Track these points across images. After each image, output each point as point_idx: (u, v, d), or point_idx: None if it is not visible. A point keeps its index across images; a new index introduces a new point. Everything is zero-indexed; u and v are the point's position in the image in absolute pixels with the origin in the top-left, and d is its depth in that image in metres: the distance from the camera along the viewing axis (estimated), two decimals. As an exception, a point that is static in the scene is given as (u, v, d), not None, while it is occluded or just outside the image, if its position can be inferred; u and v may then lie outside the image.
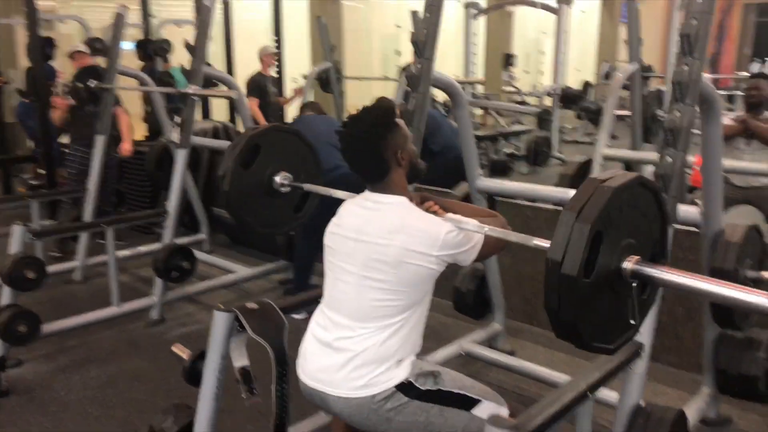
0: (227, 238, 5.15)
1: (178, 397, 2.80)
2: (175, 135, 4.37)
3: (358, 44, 10.49)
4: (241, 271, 4.07)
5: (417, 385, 1.69)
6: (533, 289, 3.41)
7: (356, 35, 10.38)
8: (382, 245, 1.68)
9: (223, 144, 5.02)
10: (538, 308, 3.49)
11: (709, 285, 1.34)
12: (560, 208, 3.40)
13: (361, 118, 1.75)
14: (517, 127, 9.02)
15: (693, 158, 3.43)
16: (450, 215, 1.78)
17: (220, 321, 2.01)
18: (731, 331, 2.40)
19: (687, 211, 2.18)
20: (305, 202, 2.48)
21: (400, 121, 1.79)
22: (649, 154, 5.44)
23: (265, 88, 6.06)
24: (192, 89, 3.44)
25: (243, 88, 5.30)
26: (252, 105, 6.49)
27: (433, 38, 2.48)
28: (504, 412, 1.76)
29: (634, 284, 1.39)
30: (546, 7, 8.85)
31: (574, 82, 12.62)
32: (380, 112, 1.76)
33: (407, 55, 10.94)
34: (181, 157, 3.60)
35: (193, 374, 2.09)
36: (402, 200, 1.76)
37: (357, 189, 3.65)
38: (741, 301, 1.30)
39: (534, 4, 8.97)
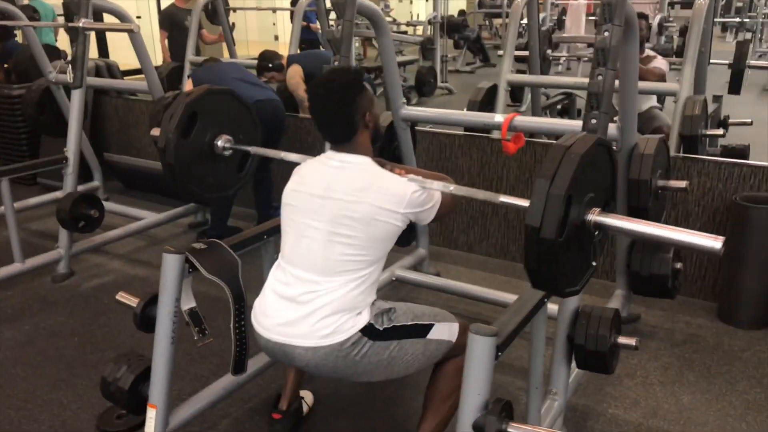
0: (121, 184, 4.88)
1: (109, 348, 2.71)
2: (55, 74, 4.04)
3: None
4: (149, 217, 3.89)
5: (376, 326, 1.74)
6: (452, 216, 3.55)
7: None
8: (352, 202, 1.73)
9: (110, 83, 4.72)
10: (456, 233, 3.64)
11: (653, 229, 1.52)
12: (475, 133, 3.54)
13: (332, 80, 1.79)
14: (401, 58, 9.05)
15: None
16: (412, 176, 1.83)
17: (171, 263, 1.94)
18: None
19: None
20: (246, 161, 2.45)
21: (367, 85, 1.84)
22: (554, 78, 5.76)
23: (179, 23, 5.77)
24: (84, 22, 3.15)
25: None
26: (161, 38, 6.13)
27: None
28: (455, 327, 1.86)
29: (596, 233, 1.54)
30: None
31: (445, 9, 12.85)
32: (350, 75, 1.82)
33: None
34: (76, 97, 3.33)
35: (144, 320, 2.02)
36: (368, 160, 1.81)
37: (274, 116, 3.55)
38: (676, 240, 1.50)
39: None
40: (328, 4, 6.84)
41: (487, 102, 3.96)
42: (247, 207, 4.13)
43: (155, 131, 2.42)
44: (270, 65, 4.14)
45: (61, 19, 6.30)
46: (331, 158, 1.84)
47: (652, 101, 4.29)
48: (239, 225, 3.91)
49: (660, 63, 4.13)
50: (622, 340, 2.02)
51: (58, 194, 4.22)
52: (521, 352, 2.40)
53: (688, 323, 2.87)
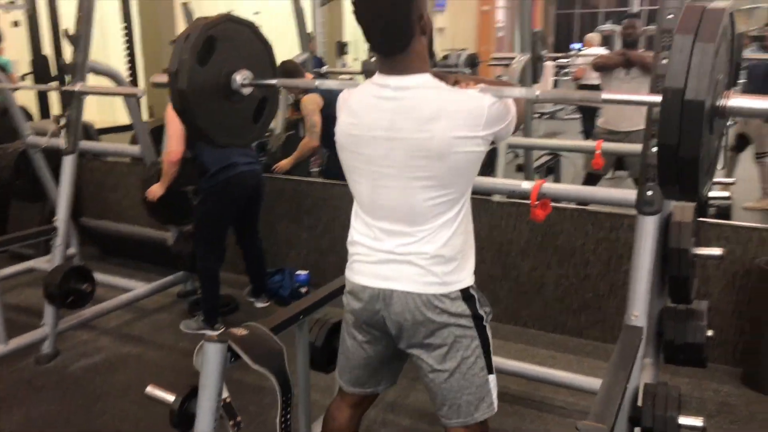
0: (98, 250, 4.62)
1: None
2: (34, 137, 3.82)
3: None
4: (137, 287, 3.66)
5: (477, 303, 1.61)
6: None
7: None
8: (423, 138, 1.49)
9: (103, 147, 4.53)
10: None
11: None
12: (481, 196, 3.47)
13: None
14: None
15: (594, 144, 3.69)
16: (483, 85, 1.55)
17: (213, 354, 1.77)
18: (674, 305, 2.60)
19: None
20: (263, 110, 2.09)
21: None
22: (555, 141, 5.79)
23: None
24: (80, 86, 2.99)
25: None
26: None
27: None
28: (494, 406, 1.71)
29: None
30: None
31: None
32: None
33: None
34: (69, 163, 3.13)
35: (183, 418, 1.83)
36: (427, 79, 1.53)
37: (258, 188, 3.34)
38: None
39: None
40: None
41: (487, 164, 3.94)
42: (233, 273, 3.93)
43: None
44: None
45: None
46: (384, 86, 1.54)
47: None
48: (228, 292, 3.71)
49: None
50: (687, 420, 1.94)
51: (33, 263, 3.98)
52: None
53: (716, 391, 2.82)
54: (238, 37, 1.96)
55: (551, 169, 5.18)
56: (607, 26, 16.22)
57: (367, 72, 2.40)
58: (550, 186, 2.50)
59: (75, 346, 3.24)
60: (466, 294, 1.61)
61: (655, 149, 1.96)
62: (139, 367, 3.06)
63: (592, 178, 4.54)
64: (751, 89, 5.88)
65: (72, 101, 3.05)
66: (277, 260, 4.03)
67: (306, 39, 5.87)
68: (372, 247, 1.64)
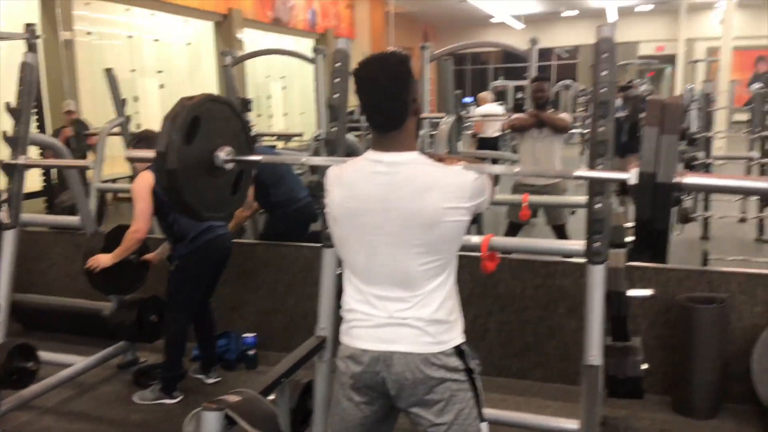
0: (20, 325, 4.40)
1: None
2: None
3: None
4: (76, 362, 3.53)
5: (468, 358, 1.73)
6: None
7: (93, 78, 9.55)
8: (417, 208, 1.64)
9: (44, 219, 4.36)
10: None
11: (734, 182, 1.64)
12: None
13: (385, 60, 1.67)
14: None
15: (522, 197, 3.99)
16: (464, 163, 1.73)
17: (211, 422, 1.81)
18: (612, 342, 2.85)
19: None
20: (240, 182, 2.19)
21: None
22: None
23: None
24: (23, 159, 2.95)
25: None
26: None
27: (344, 103, 2.56)
28: None
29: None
30: (301, 56, 9.19)
31: (300, 125, 13.51)
32: (401, 56, 1.68)
33: (147, 100, 10.46)
34: (10, 238, 3.05)
35: (183, 489, 1.83)
36: (417, 156, 1.69)
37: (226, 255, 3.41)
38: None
39: (291, 54, 9.23)
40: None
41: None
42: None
43: None
44: None
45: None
46: (378, 161, 1.69)
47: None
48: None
49: (565, 115, 4.69)
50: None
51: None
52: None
53: (652, 419, 3.09)
54: (219, 115, 2.07)
55: (475, 220, 5.46)
56: (499, 82, 17.39)
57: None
58: (498, 239, 2.71)
59: (16, 429, 3.09)
60: (458, 350, 1.74)
61: (599, 206, 2.23)
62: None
63: (514, 227, 4.84)
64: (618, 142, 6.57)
65: (14, 174, 2.99)
66: (220, 324, 4.01)
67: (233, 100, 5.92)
68: (368, 313, 1.74)
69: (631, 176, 1.53)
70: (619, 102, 9.74)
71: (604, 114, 2.19)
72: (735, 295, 3.15)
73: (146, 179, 3.07)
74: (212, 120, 2.03)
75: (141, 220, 3.11)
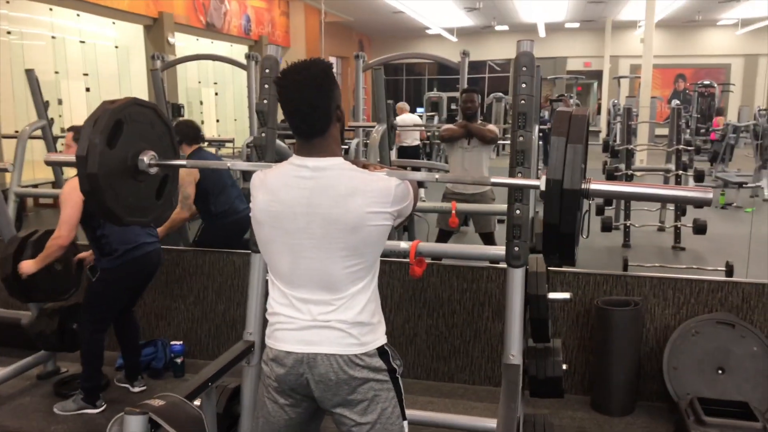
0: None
1: None
2: None
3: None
4: (-9, 372, 3.40)
5: (390, 358, 1.77)
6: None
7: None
8: (340, 213, 1.67)
9: None
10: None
11: (643, 189, 1.70)
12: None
13: (308, 67, 1.69)
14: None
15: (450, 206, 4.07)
16: (388, 170, 1.78)
17: (135, 425, 1.79)
18: (533, 344, 2.96)
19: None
20: (165, 187, 2.17)
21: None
22: None
23: None
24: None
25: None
26: None
27: (274, 109, 2.58)
28: None
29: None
30: (234, 62, 9.12)
31: (233, 131, 13.43)
32: (325, 64, 1.72)
33: (72, 103, 10.14)
34: None
35: (103, 496, 1.80)
36: (341, 162, 1.73)
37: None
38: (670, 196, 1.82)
39: (223, 59, 9.14)
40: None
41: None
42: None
43: None
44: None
45: None
46: (303, 166, 1.72)
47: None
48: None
49: (492, 127, 4.81)
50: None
51: None
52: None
53: (572, 417, 3.21)
54: (142, 119, 2.04)
55: (406, 228, 5.55)
56: (433, 93, 17.73)
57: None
58: (425, 245, 2.78)
59: (-74, 444, 2.95)
60: (381, 350, 1.78)
61: (518, 212, 2.33)
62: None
63: (444, 234, 4.94)
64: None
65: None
66: (148, 332, 3.94)
67: (164, 107, 5.79)
68: (292, 316, 1.77)
69: (541, 183, 1.61)
70: (547, 114, 10.06)
71: (522, 125, 2.29)
72: (648, 298, 3.33)
73: (77, 185, 2.97)
74: (136, 124, 2.00)
75: (65, 226, 3.02)
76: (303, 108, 1.69)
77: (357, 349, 1.74)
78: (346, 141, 8.07)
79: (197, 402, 2.51)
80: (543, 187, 1.60)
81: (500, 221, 5.03)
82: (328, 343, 1.73)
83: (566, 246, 1.65)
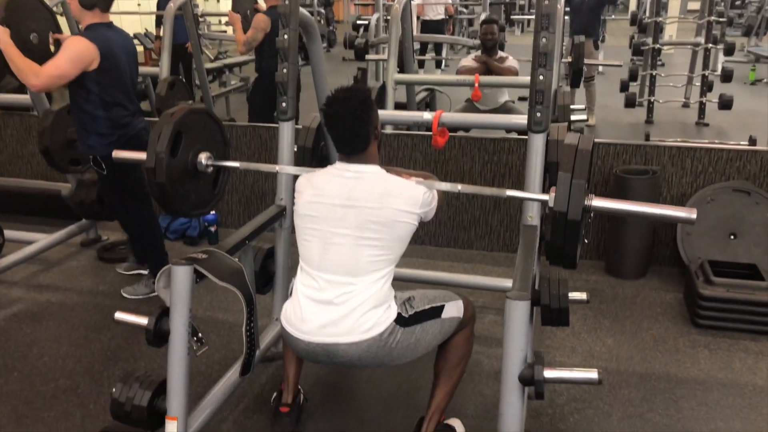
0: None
1: (61, 378, 2.57)
2: None
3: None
4: (40, 239, 3.62)
5: (403, 315, 1.95)
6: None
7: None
8: (375, 208, 1.90)
9: None
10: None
11: (636, 207, 1.87)
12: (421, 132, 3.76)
13: (350, 99, 1.94)
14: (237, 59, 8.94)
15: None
16: (418, 179, 2.04)
17: (181, 275, 1.97)
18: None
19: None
20: (219, 177, 2.51)
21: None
22: (439, 76, 6.38)
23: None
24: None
25: None
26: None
27: (295, 45, 2.57)
28: (460, 304, 2.12)
29: (590, 217, 1.91)
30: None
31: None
32: (365, 93, 1.99)
33: None
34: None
35: (158, 335, 2.01)
36: (378, 169, 1.99)
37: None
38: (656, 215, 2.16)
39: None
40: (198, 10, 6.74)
41: (378, 99, 4.23)
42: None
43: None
44: None
45: None
46: (345, 169, 1.98)
47: (506, 96, 4.85)
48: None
49: (512, 62, 4.70)
50: (575, 295, 2.41)
51: None
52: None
53: (586, 280, 3.39)
54: (197, 125, 2.31)
55: (428, 104, 5.57)
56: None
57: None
58: (448, 115, 2.84)
59: (-16, 301, 3.22)
60: (397, 319, 1.93)
61: (541, 77, 2.36)
62: (63, 313, 3.11)
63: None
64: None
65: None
66: (180, 203, 4.13)
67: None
68: (314, 299, 1.93)
69: (550, 199, 1.84)
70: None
71: (543, 63, 2.30)
72: (666, 167, 3.39)
73: (87, 47, 2.74)
74: (192, 130, 2.27)
75: (46, 75, 2.66)
76: (346, 135, 1.96)
77: (375, 331, 1.89)
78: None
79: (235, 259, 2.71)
80: (551, 203, 1.82)
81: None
82: (348, 334, 1.88)
83: (568, 261, 1.94)
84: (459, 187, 2.10)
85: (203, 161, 2.30)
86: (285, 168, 2.42)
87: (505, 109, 4.78)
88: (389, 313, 1.92)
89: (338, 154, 2.03)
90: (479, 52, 4.81)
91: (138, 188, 3.07)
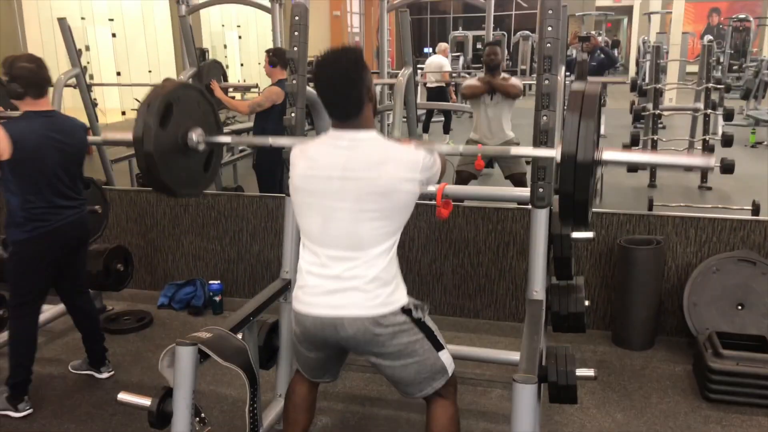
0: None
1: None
2: None
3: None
4: (46, 309, 3.59)
5: (414, 314, 1.90)
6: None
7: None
8: (373, 177, 1.81)
9: None
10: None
11: (650, 157, 2.02)
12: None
13: (340, 58, 1.84)
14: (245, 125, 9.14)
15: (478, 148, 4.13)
16: (416, 143, 1.95)
17: (185, 356, 1.96)
18: (556, 281, 3.07)
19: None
20: (211, 160, 2.38)
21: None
22: (443, 146, 6.63)
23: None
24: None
25: None
26: None
27: (304, 56, 2.64)
28: (453, 368, 2.04)
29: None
30: (258, 5, 9.08)
31: (257, 75, 13.48)
32: (356, 52, 1.87)
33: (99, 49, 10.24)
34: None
35: (161, 416, 1.99)
36: (375, 134, 1.90)
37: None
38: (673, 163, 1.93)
39: (247, 2, 9.09)
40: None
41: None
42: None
43: None
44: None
45: None
46: (339, 138, 1.87)
47: (510, 131, 4.90)
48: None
49: (516, 81, 4.81)
50: (582, 372, 2.38)
51: None
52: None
53: (593, 351, 3.35)
54: (189, 100, 2.24)
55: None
56: (459, 32, 17.42)
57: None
58: (451, 187, 2.88)
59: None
60: (404, 309, 1.91)
61: (543, 153, 2.40)
62: (66, 387, 3.07)
63: (464, 178, 5.00)
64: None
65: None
66: (185, 272, 4.14)
67: (193, 52, 5.81)
68: (320, 275, 1.89)
69: (557, 154, 1.73)
70: (575, 53, 9.88)
71: (547, 68, 2.34)
72: (670, 237, 3.40)
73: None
74: (184, 104, 2.19)
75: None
76: (337, 98, 1.85)
77: (381, 309, 1.86)
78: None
79: (239, 336, 2.69)
80: (558, 159, 1.72)
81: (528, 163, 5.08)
82: (354, 306, 1.86)
83: (580, 212, 1.78)
84: (460, 148, 2.04)
85: (194, 137, 2.18)
86: (279, 140, 2.34)
87: (508, 145, 4.81)
88: (397, 295, 1.88)
89: (332, 121, 1.92)
90: (482, 74, 4.94)
91: (28, 292, 2.86)
